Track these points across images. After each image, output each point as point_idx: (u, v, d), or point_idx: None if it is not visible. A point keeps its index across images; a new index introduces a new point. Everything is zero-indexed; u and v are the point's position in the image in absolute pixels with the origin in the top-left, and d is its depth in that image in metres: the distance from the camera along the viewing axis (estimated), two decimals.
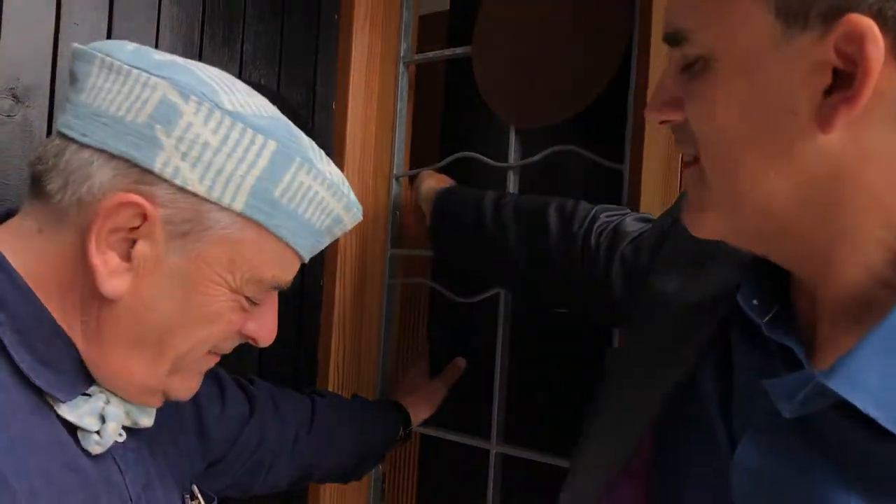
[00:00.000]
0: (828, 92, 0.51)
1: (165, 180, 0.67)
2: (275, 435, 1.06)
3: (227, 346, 0.78)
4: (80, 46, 0.70)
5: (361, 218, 0.82)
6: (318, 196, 0.74)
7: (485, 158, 1.27)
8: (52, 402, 0.69)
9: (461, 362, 1.34)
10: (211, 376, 1.02)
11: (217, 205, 0.69)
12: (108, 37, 1.14)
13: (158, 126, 0.66)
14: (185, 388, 0.77)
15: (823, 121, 0.52)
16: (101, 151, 0.66)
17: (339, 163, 1.40)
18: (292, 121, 1.35)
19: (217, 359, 0.79)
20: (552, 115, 1.18)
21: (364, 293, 1.42)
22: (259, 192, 0.70)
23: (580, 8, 1.16)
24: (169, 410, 0.86)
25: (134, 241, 0.68)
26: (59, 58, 1.07)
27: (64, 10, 1.10)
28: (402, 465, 1.59)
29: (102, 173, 0.66)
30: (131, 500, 0.75)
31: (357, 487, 1.40)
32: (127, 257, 0.68)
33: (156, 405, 0.77)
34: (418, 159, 1.43)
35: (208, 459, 0.97)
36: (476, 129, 1.34)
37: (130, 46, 0.70)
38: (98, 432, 0.71)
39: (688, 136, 0.59)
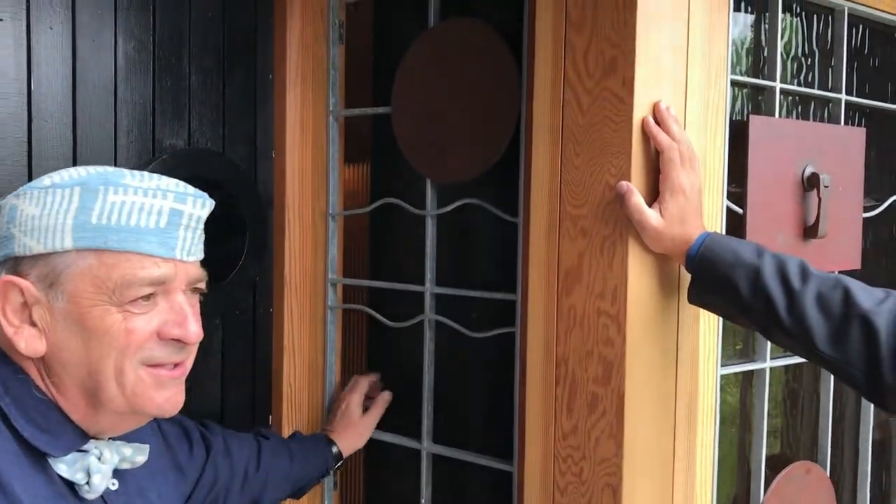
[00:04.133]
0: None
1: (23, 257, 0.90)
2: (226, 473, 1.28)
3: (163, 353, 0.95)
4: None
5: (209, 202, 1.00)
6: (136, 204, 0.91)
7: (406, 205, 1.49)
8: (51, 462, 0.91)
9: (387, 396, 1.55)
10: (177, 422, 1.24)
11: (56, 252, 0.90)
12: (74, 128, 1.32)
13: (9, 225, 0.91)
14: (157, 403, 0.96)
15: None
16: None
17: (281, 204, 1.61)
18: (233, 175, 1.56)
19: (169, 369, 0.97)
20: (461, 174, 1.40)
21: (309, 318, 1.64)
22: (79, 227, 0.90)
23: (479, 83, 1.37)
24: (155, 453, 1.09)
25: (30, 313, 0.91)
26: (33, 159, 1.26)
27: (34, 109, 1.28)
28: (352, 463, 1.83)
29: None
30: None
31: None
32: (33, 323, 0.91)
33: (143, 422, 1.00)
34: (351, 200, 1.63)
35: (184, 495, 1.19)
36: (401, 177, 1.54)
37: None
38: (87, 483, 0.93)
39: None
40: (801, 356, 1.12)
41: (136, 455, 1.00)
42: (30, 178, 1.27)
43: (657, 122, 1.17)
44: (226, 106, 1.53)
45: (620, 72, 1.16)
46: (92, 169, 0.94)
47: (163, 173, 1.41)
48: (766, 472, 1.50)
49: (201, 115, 1.49)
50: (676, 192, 1.14)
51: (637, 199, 1.13)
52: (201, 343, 1.50)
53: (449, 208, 1.43)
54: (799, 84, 1.58)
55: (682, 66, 1.22)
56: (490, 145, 1.36)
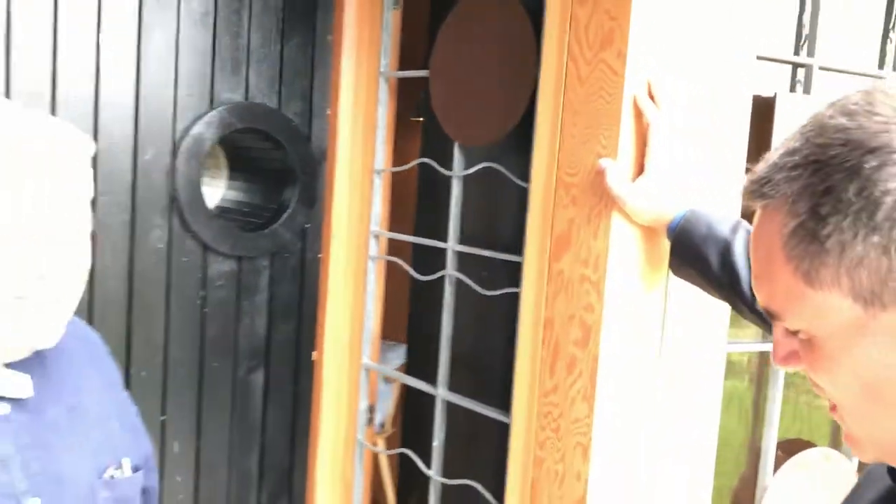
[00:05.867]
0: None
1: None
2: None
3: (19, 284, 0.94)
4: None
5: (80, 139, 0.96)
6: None
7: (436, 165, 1.57)
8: None
9: None
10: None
11: None
12: (137, 80, 1.48)
13: None
14: (33, 334, 0.96)
15: None
16: None
17: (332, 159, 1.72)
18: (286, 129, 1.66)
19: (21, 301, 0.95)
20: (481, 138, 1.46)
21: (354, 266, 1.76)
22: None
23: (504, 53, 1.42)
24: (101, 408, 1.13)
25: None
26: (99, 107, 1.43)
27: (102, 59, 1.45)
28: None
29: None
30: (3, 456, 1.00)
31: (349, 414, 1.78)
32: None
33: (19, 356, 0.99)
34: (398, 158, 1.73)
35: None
36: (441, 138, 1.61)
37: None
38: None
39: (818, 388, 0.66)
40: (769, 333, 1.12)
41: (13, 386, 1.01)
42: (96, 131, 1.45)
43: (651, 98, 1.18)
44: (283, 65, 1.66)
45: (616, 44, 1.18)
46: None
47: (221, 126, 1.57)
48: (780, 456, 1.49)
49: (259, 72, 1.63)
50: (660, 168, 1.16)
51: (614, 176, 1.16)
52: (250, 279, 1.68)
53: (472, 170, 1.50)
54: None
55: (688, 42, 1.22)
56: (509, 113, 1.41)
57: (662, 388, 1.28)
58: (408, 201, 1.89)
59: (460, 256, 1.56)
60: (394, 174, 1.78)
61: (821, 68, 1.42)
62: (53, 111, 1.39)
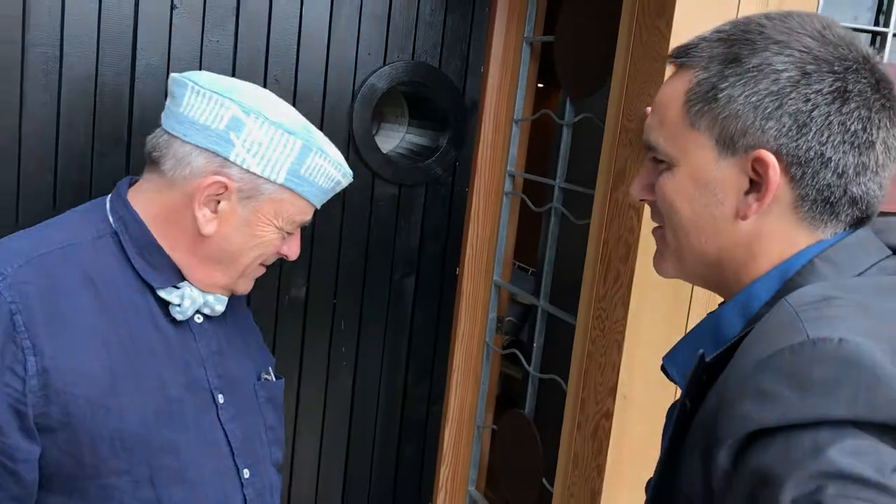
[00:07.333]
0: (746, 193, 0.81)
1: (237, 165, 1.12)
2: None
3: (270, 260, 1.25)
4: (176, 75, 1.15)
5: (352, 179, 1.27)
6: (327, 171, 1.20)
7: (552, 114, 1.89)
8: (153, 289, 1.17)
9: None
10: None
11: (267, 179, 1.14)
12: (328, 42, 1.95)
13: (232, 133, 1.11)
14: (246, 286, 1.27)
15: (742, 212, 0.82)
16: (196, 146, 1.12)
17: (481, 110, 2.10)
18: (443, 84, 2.07)
19: (264, 269, 1.28)
20: (581, 91, 1.76)
21: (493, 198, 2.13)
22: (292, 171, 1.15)
23: (601, 19, 1.70)
24: (246, 325, 1.40)
25: (218, 202, 1.14)
26: (299, 62, 1.92)
27: (304, 25, 1.93)
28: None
29: (198, 161, 1.12)
30: (202, 356, 1.22)
31: (481, 321, 2.16)
32: (214, 211, 1.14)
33: (226, 295, 1.25)
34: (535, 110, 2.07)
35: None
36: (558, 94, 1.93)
37: (206, 76, 1.14)
38: (178, 306, 1.18)
39: (657, 213, 0.90)
40: None
41: (216, 304, 1.24)
42: (296, 80, 1.94)
43: None
44: (446, 31, 2.05)
45: (667, 13, 1.43)
46: (303, 123, 1.17)
47: (390, 79, 2.01)
48: None
49: (425, 37, 2.03)
50: None
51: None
52: (407, 202, 2.11)
53: (576, 119, 1.80)
54: None
55: (732, 11, 1.43)
56: (600, 71, 1.69)
57: (695, 298, 1.52)
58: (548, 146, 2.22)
59: (567, 192, 1.87)
60: (541, 124, 2.11)
61: (895, 35, 1.54)
62: (266, 66, 1.90)
